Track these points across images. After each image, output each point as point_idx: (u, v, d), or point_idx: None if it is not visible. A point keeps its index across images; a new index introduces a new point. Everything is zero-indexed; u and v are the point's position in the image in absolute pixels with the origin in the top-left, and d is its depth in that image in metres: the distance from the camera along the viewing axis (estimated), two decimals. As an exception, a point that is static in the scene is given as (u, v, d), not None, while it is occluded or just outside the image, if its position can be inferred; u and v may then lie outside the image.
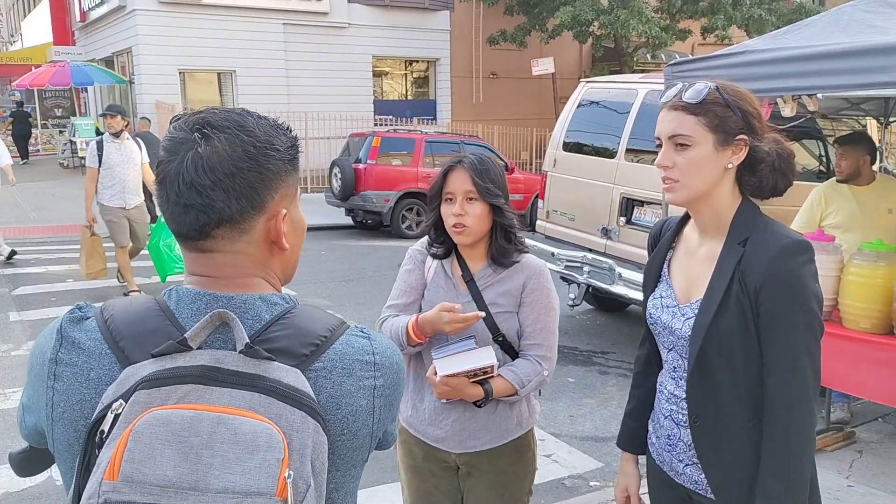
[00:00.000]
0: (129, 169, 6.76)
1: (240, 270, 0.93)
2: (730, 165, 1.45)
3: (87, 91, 19.65)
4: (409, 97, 19.39)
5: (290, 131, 0.98)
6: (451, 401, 1.91)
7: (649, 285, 1.66)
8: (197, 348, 0.83)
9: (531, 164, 16.75)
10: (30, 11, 26.05)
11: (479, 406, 1.90)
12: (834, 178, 4.11)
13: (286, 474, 0.75)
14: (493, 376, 1.85)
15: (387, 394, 0.94)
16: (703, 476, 1.56)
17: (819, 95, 3.24)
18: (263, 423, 0.77)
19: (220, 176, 0.87)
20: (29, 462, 1.10)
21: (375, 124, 16.27)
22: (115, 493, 0.72)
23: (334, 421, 0.88)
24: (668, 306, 1.58)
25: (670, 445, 1.63)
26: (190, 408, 0.77)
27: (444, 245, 1.99)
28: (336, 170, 11.23)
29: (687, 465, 1.59)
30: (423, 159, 11.38)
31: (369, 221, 11.55)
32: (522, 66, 17.10)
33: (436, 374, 1.82)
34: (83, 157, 16.08)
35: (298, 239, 1.00)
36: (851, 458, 3.78)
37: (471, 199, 1.87)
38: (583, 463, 3.90)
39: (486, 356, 1.81)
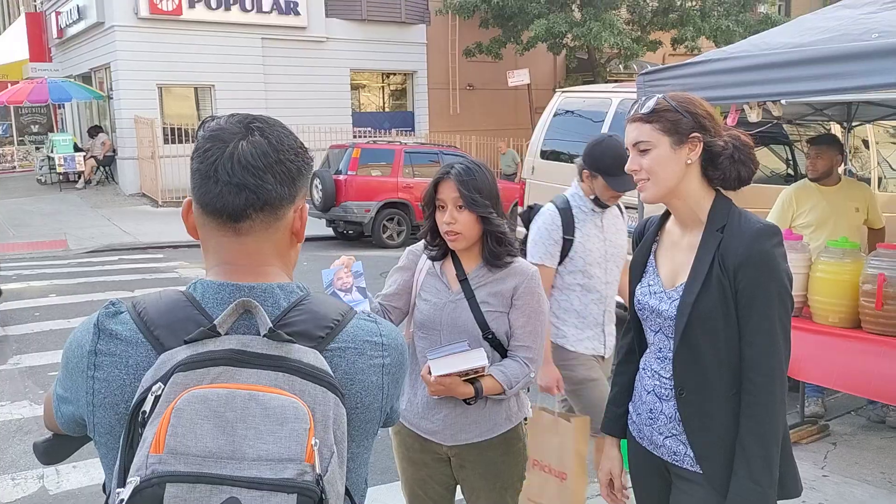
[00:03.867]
0: None
1: (263, 258, 1.01)
2: (689, 161, 1.64)
3: (64, 107, 19.50)
4: (388, 109, 19.52)
5: None
6: (443, 396, 2.00)
7: (636, 276, 1.82)
8: (224, 334, 0.91)
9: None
10: (5, 29, 25.77)
11: (470, 404, 1.99)
12: (803, 180, 4.29)
13: (313, 442, 0.83)
14: (483, 375, 1.95)
15: (394, 371, 1.04)
16: (681, 447, 1.69)
17: (783, 101, 3.40)
18: (290, 398, 0.85)
19: (271, 162, 0.97)
20: (53, 450, 1.19)
21: (354, 136, 16.35)
22: (162, 465, 0.79)
23: (349, 395, 0.97)
24: (655, 292, 1.73)
25: (651, 419, 1.76)
26: (224, 387, 0.84)
27: (439, 248, 2.08)
28: (316, 181, 11.28)
29: (666, 437, 1.72)
30: (403, 170, 11.49)
31: (350, 232, 11.62)
32: (498, 77, 17.34)
33: (430, 373, 1.91)
34: (61, 173, 16.09)
35: (303, 235, 1.10)
36: (826, 449, 3.92)
37: (460, 206, 1.96)
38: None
39: (479, 357, 1.90)
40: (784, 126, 5.25)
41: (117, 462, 0.88)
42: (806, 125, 5.46)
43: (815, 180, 4.13)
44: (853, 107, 4.75)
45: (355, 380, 0.99)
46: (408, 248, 2.21)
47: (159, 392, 0.85)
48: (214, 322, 0.91)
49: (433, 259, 2.11)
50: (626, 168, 1.72)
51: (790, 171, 5.57)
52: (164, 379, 0.86)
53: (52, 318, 6.69)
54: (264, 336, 0.90)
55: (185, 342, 0.89)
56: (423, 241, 2.12)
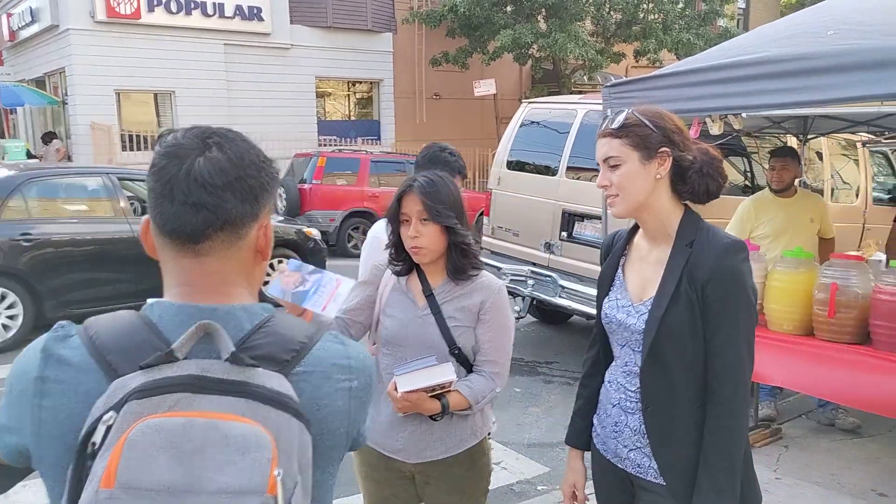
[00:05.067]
0: None
1: (226, 278, 0.97)
2: (658, 176, 1.65)
3: (16, 112, 18.90)
4: (353, 117, 19.42)
5: None
6: (408, 413, 1.98)
7: (604, 289, 1.83)
8: (183, 359, 0.86)
9: (475, 183, 16.99)
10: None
11: (436, 420, 1.97)
12: (762, 192, 4.41)
13: (276, 472, 0.78)
14: (450, 391, 1.93)
15: (361, 395, 1.01)
16: (645, 460, 1.70)
17: (744, 115, 3.49)
18: (252, 426, 0.80)
19: (230, 179, 0.93)
20: None
21: (319, 144, 16.20)
22: (113, 500, 0.75)
23: (315, 421, 0.92)
24: (623, 306, 1.74)
25: (616, 432, 1.77)
26: (181, 415, 0.80)
27: (405, 263, 2.06)
28: (281, 190, 11.16)
29: (631, 450, 1.73)
30: (369, 179, 11.45)
31: (315, 241, 11.50)
32: (464, 87, 17.40)
33: (396, 389, 1.89)
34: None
35: (269, 252, 1.06)
36: (778, 452, 4.01)
37: (424, 220, 1.95)
38: (530, 469, 4.02)
39: (447, 372, 1.89)
40: (742, 138, 5.39)
41: (64, 497, 0.82)
42: (763, 137, 5.61)
43: (779, 192, 4.24)
44: (809, 120, 4.90)
45: (321, 405, 0.95)
46: (372, 264, 2.18)
47: (111, 421, 0.80)
48: (172, 346, 0.86)
49: (398, 274, 2.08)
50: (596, 183, 1.73)
51: (748, 183, 5.71)
52: (117, 407, 0.81)
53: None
54: (226, 361, 0.86)
55: (141, 368, 0.84)
56: (386, 256, 2.10)
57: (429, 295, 2.03)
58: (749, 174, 5.74)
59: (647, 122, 1.64)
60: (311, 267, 1.71)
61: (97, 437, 0.80)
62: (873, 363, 2.99)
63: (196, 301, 0.94)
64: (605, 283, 1.83)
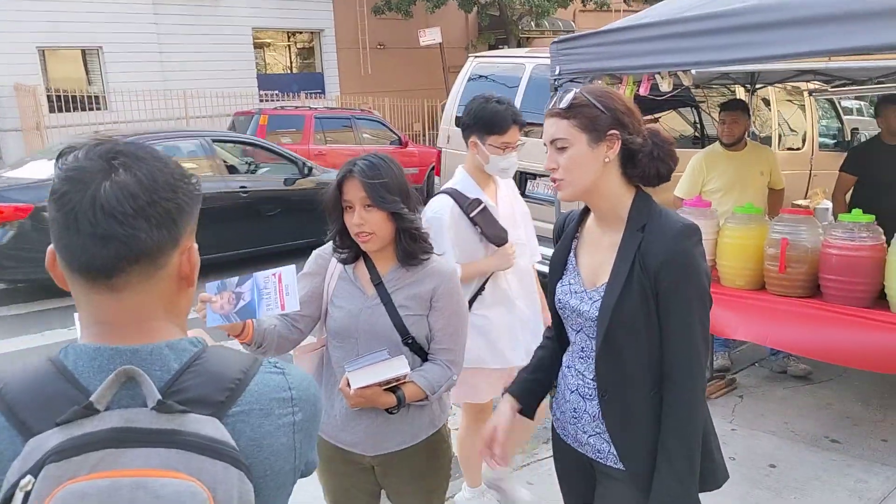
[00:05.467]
0: None
1: (146, 313, 0.88)
2: (607, 159, 1.59)
3: (-71, 72, 17.66)
4: (295, 70, 18.79)
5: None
6: (363, 407, 1.91)
7: (556, 273, 1.77)
8: (105, 410, 0.79)
9: (424, 136, 16.74)
10: None
11: (392, 413, 1.91)
12: (712, 146, 4.39)
13: None
14: (405, 383, 1.87)
15: (306, 427, 0.94)
16: (605, 445, 1.69)
17: (693, 71, 3.42)
18: (185, 482, 0.75)
19: (142, 204, 0.83)
20: None
21: (261, 100, 15.67)
22: None
23: (256, 463, 0.86)
24: (576, 292, 1.69)
25: (575, 418, 1.74)
26: (105, 476, 0.74)
27: (350, 250, 1.95)
28: (222, 150, 10.77)
29: (591, 435, 1.71)
30: (314, 136, 11.11)
31: (261, 202, 11.18)
32: (409, 36, 16.95)
33: (349, 385, 1.81)
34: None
35: (196, 276, 0.96)
36: (734, 403, 4.11)
37: (368, 206, 1.84)
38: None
39: (400, 366, 1.82)
40: (691, 90, 5.35)
41: None
42: (711, 87, 5.59)
43: (729, 146, 4.22)
44: (757, 70, 4.88)
45: (262, 445, 0.88)
46: (315, 252, 2.06)
47: (29, 487, 0.73)
48: (91, 398, 0.79)
49: (344, 262, 1.98)
50: (544, 166, 1.66)
51: (697, 135, 5.71)
52: (34, 471, 0.74)
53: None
54: (152, 409, 0.79)
55: (57, 424, 0.77)
56: (330, 243, 1.98)
57: (378, 283, 1.94)
58: (698, 126, 5.73)
59: (596, 103, 1.57)
60: (234, 279, 1.62)
61: None
62: (824, 316, 3.04)
63: (115, 342, 0.85)
64: (558, 267, 1.77)
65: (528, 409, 1.87)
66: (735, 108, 4.27)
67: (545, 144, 1.64)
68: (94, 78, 15.42)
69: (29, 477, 0.74)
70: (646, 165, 1.60)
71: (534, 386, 1.87)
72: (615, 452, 1.67)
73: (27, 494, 0.73)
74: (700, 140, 5.55)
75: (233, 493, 0.78)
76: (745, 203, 3.61)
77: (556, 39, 3.64)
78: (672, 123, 5.54)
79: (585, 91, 1.60)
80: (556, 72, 3.56)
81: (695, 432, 1.58)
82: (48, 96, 13.86)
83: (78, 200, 0.82)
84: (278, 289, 1.62)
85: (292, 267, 1.70)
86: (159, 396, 0.79)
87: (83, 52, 15.27)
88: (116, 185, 0.83)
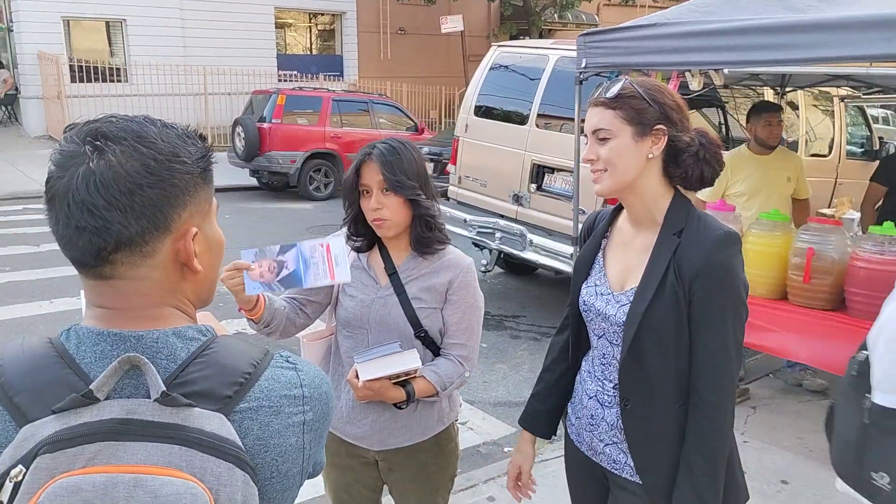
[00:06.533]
0: None
1: (147, 299, 0.83)
2: (651, 155, 1.51)
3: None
4: (315, 52, 18.70)
5: (203, 140, 0.87)
6: (371, 400, 1.85)
7: (582, 273, 1.69)
8: (105, 399, 0.74)
9: (440, 123, 16.63)
10: None
11: (401, 408, 1.85)
12: (739, 148, 4.26)
13: None
14: (415, 377, 1.81)
15: (316, 427, 0.88)
16: (622, 456, 1.61)
17: (725, 70, 3.32)
18: (186, 482, 0.71)
19: (115, 194, 0.77)
20: None
21: (279, 80, 15.62)
22: None
23: (262, 465, 0.81)
24: (602, 294, 1.62)
25: (592, 425, 1.67)
26: (102, 470, 0.69)
27: (365, 238, 1.90)
28: (239, 129, 10.72)
29: (607, 444, 1.64)
30: (331, 118, 11.05)
31: (275, 183, 11.15)
32: (431, 22, 16.80)
33: (357, 377, 1.75)
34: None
35: (215, 258, 0.90)
36: (746, 414, 4.01)
37: (385, 190, 1.79)
38: (497, 429, 3.96)
39: (411, 360, 1.75)
40: (717, 89, 5.22)
41: None
42: (737, 88, 5.45)
43: (763, 148, 4.10)
44: (787, 73, 4.74)
45: (270, 445, 0.82)
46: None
47: (20, 478, 0.69)
48: (91, 386, 0.74)
49: (358, 251, 1.92)
50: (582, 157, 1.58)
51: (722, 136, 5.58)
52: (26, 461, 0.70)
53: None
54: (155, 400, 0.74)
55: (54, 412, 0.72)
56: (345, 230, 1.92)
57: (392, 273, 1.88)
58: (724, 126, 5.60)
59: (645, 95, 1.49)
60: (275, 247, 1.59)
61: (4, 496, 0.70)
62: (848, 331, 2.94)
63: (119, 327, 0.81)
64: (584, 267, 1.69)
65: (548, 436, 1.84)
66: (778, 110, 4.14)
67: (585, 135, 1.56)
68: (117, 50, 15.46)
69: (20, 467, 0.70)
70: (690, 166, 1.51)
71: (550, 417, 1.81)
72: (632, 464, 1.59)
73: (17, 485, 0.69)
74: (726, 142, 5.42)
75: (237, 496, 0.74)
76: (771, 209, 3.51)
77: (583, 32, 3.54)
78: (697, 123, 5.42)
79: (634, 82, 1.53)
80: (583, 64, 3.47)
81: (721, 451, 1.51)
82: (70, 66, 13.92)
83: (57, 189, 0.79)
84: (327, 259, 1.60)
85: (341, 238, 1.69)
86: (164, 388, 0.75)
87: (107, 23, 15.28)
88: (88, 175, 0.77)
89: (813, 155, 6.17)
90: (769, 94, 5.37)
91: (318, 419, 0.88)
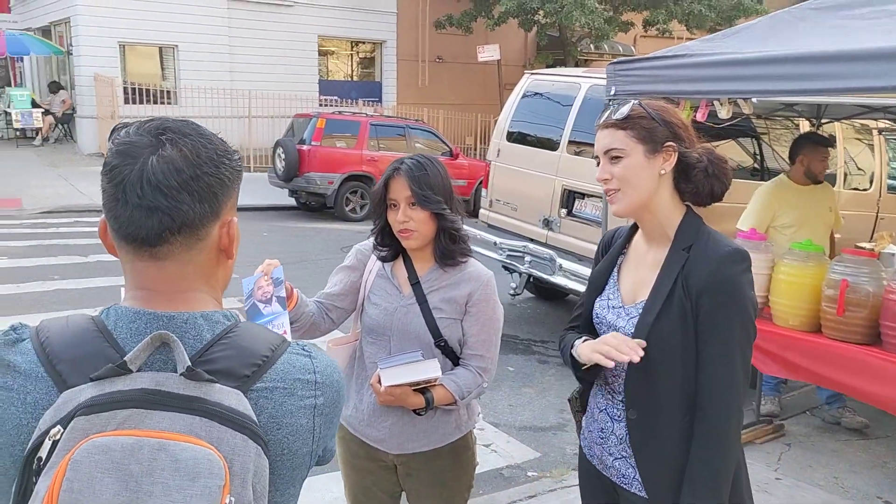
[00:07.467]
0: None
1: (186, 283, 0.92)
2: (663, 171, 1.56)
3: (22, 61, 18.65)
4: (355, 78, 19.10)
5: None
6: (391, 405, 1.91)
7: (597, 287, 1.73)
8: (137, 371, 0.82)
9: (475, 150, 16.77)
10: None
11: (420, 415, 1.91)
12: (780, 178, 4.22)
13: (227, 501, 0.75)
14: (435, 385, 1.87)
15: (327, 412, 0.95)
16: (630, 471, 1.63)
17: (753, 99, 3.32)
18: (204, 449, 0.77)
19: (186, 178, 0.87)
20: None
21: (320, 104, 15.99)
22: None
23: (274, 441, 0.88)
24: (613, 307, 1.66)
25: (602, 439, 1.70)
26: (130, 434, 0.76)
27: (390, 248, 1.98)
28: (280, 150, 11.00)
29: (616, 458, 1.66)
30: (368, 142, 11.26)
31: (312, 203, 11.38)
32: (468, 51, 17.04)
33: (380, 381, 1.82)
34: (18, 129, 15.42)
35: (236, 249, 1.00)
36: (780, 450, 3.91)
37: (413, 203, 1.87)
38: (521, 453, 3.95)
39: (432, 369, 1.82)
40: (752, 119, 5.19)
41: None
42: (774, 119, 5.41)
43: (817, 181, 4.06)
44: (823, 104, 4.70)
45: (282, 424, 0.89)
46: (355, 247, 2.10)
47: (58, 437, 0.76)
48: (125, 358, 0.81)
49: (383, 260, 2.00)
50: (596, 177, 1.62)
51: (756, 166, 5.53)
52: (64, 422, 0.77)
53: (1, 282, 6.38)
54: (181, 374, 0.82)
55: (91, 380, 0.80)
56: (371, 240, 2.01)
57: (415, 283, 1.95)
58: (758, 157, 5.55)
59: (653, 115, 1.56)
60: (283, 295, 1.70)
61: (43, 453, 0.76)
62: (884, 366, 2.87)
63: (154, 307, 0.89)
64: (599, 282, 1.73)
65: None
66: (825, 143, 4.11)
67: (596, 157, 1.61)
68: (168, 74, 16.06)
69: (58, 427, 0.77)
70: (700, 182, 1.56)
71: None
72: (640, 478, 1.61)
73: (55, 443, 0.76)
74: (759, 172, 5.38)
75: (249, 465, 0.80)
76: (819, 240, 3.47)
77: (613, 61, 3.59)
78: (731, 153, 5.39)
79: (642, 103, 1.59)
80: (612, 92, 3.50)
81: (726, 468, 1.51)
82: (124, 88, 14.52)
83: (127, 174, 0.86)
84: (270, 311, 1.70)
85: (286, 315, 1.72)
86: (189, 363, 0.82)
87: (160, 49, 15.89)
88: (163, 160, 0.87)
89: (853, 189, 6.07)
90: (805, 126, 5.31)
91: (328, 404, 0.94)
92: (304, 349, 0.95)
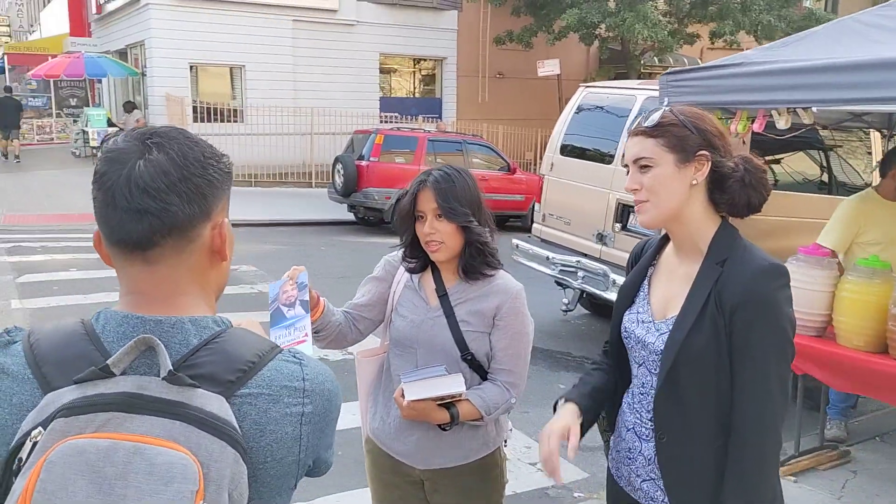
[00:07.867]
0: None
1: (177, 287, 0.92)
2: (694, 182, 1.49)
3: (101, 81, 19.78)
4: (416, 95, 19.37)
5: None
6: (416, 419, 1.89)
7: (626, 300, 1.67)
8: (121, 374, 0.82)
9: (535, 165, 16.67)
10: (48, 2, 26.18)
11: (445, 430, 1.88)
12: (865, 192, 3.96)
13: None
14: (460, 400, 1.83)
15: (316, 421, 0.93)
16: (659, 493, 1.56)
17: (814, 108, 3.19)
18: (180, 454, 0.77)
19: (174, 180, 0.88)
20: None
21: (381, 121, 16.26)
22: None
23: (257, 448, 0.87)
24: (643, 321, 1.59)
25: (629, 459, 1.63)
26: (107, 437, 0.76)
27: (419, 260, 1.96)
28: (339, 166, 11.22)
29: (644, 480, 1.59)
30: (426, 158, 11.35)
31: (371, 218, 11.55)
32: (528, 66, 17.03)
33: (403, 396, 1.81)
34: (95, 147, 16.29)
35: (231, 251, 1.00)
36: (845, 478, 3.70)
37: (439, 216, 1.85)
38: (568, 473, 3.85)
39: (456, 384, 1.79)
40: (819, 131, 4.98)
41: None
42: (841, 130, 5.18)
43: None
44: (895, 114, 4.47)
45: (266, 430, 0.88)
46: (384, 258, 2.09)
47: (38, 438, 0.77)
48: (108, 361, 0.82)
49: (412, 272, 1.99)
50: (625, 187, 1.56)
51: (823, 179, 5.30)
52: (45, 423, 0.78)
53: (69, 292, 6.70)
54: (163, 379, 0.82)
55: (74, 382, 0.81)
56: (400, 252, 2.00)
57: (442, 295, 1.93)
58: (825, 169, 5.32)
59: (686, 123, 1.48)
60: (307, 299, 1.71)
61: (24, 454, 0.77)
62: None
63: (143, 311, 0.90)
64: (628, 295, 1.67)
65: (587, 419, 1.64)
66: None
67: (624, 166, 1.56)
68: (237, 93, 16.69)
69: (40, 428, 0.78)
70: (736, 192, 1.48)
71: (594, 399, 1.64)
72: (668, 502, 1.53)
73: (34, 445, 0.77)
74: (827, 186, 5.14)
75: (225, 471, 0.79)
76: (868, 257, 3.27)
77: (666, 72, 3.51)
78: (796, 166, 5.17)
79: (674, 109, 1.52)
80: (665, 104, 3.42)
81: (761, 498, 1.43)
82: (193, 107, 15.16)
83: (115, 179, 0.87)
84: (296, 342, 1.69)
85: (311, 348, 1.67)
86: (171, 367, 0.82)
87: (230, 69, 16.51)
88: (150, 163, 0.88)
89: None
90: (876, 137, 5.06)
91: (317, 413, 0.93)
92: (294, 356, 0.94)
